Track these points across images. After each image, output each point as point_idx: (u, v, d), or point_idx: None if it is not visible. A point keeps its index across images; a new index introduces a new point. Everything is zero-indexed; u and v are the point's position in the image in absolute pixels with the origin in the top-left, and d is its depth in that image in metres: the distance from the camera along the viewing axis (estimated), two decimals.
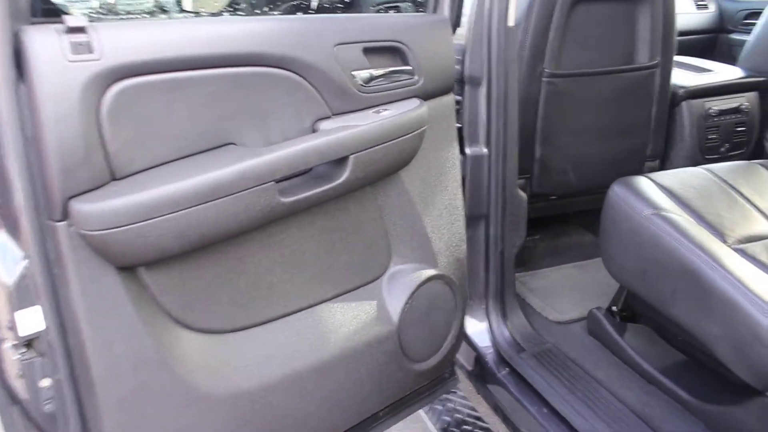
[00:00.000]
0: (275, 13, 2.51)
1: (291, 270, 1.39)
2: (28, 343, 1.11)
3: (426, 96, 1.56)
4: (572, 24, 2.14)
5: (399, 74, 1.50)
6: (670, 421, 1.70)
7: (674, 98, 2.44)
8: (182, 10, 2.54)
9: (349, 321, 1.50)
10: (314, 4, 2.67)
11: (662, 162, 2.54)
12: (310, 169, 1.34)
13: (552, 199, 2.42)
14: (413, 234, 1.61)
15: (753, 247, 1.63)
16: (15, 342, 1.10)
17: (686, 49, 3.18)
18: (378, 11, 3.12)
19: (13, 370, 1.15)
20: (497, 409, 1.96)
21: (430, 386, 1.76)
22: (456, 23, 1.73)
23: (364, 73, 1.43)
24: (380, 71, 1.47)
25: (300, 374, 1.40)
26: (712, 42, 3.83)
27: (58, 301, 1.10)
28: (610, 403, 1.74)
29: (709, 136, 2.51)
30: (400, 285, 1.59)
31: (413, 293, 1.58)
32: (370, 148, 1.37)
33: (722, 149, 2.55)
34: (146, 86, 1.13)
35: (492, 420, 1.97)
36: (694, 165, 2.50)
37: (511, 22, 1.80)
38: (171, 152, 1.18)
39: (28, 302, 1.09)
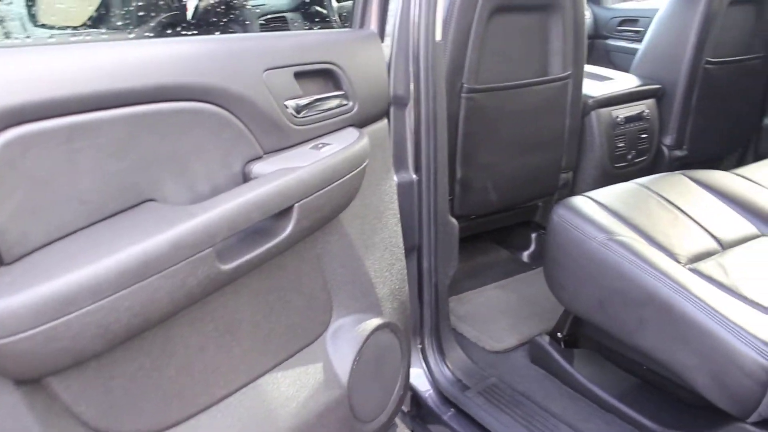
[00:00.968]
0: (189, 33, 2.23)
1: (227, 344, 1.16)
2: None
3: (361, 123, 1.38)
4: (489, 36, 2.03)
5: (332, 100, 1.31)
6: None
7: (584, 108, 2.39)
8: (37, 25, 2.20)
9: (296, 392, 1.28)
10: (190, 15, 2.42)
11: (574, 173, 2.48)
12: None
13: (472, 219, 2.29)
14: (355, 281, 1.42)
15: (705, 266, 1.56)
16: None
17: None
18: (262, 26, 2.88)
19: None
20: None
21: None
22: (381, 38, 1.56)
23: (297, 102, 1.23)
24: (312, 98, 1.27)
25: None
26: (589, 47, 3.89)
27: None
28: None
29: (618, 144, 2.48)
30: (346, 341, 1.40)
31: (360, 348, 1.39)
32: (316, 193, 1.16)
33: (629, 156, 2.54)
34: (35, 136, 0.87)
35: None
36: (604, 174, 2.48)
37: (438, 37, 1.64)
38: (77, 219, 0.93)
39: None
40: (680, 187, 1.89)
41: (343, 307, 1.40)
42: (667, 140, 2.72)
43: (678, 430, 1.58)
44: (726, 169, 3.27)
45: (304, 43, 1.28)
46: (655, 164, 2.71)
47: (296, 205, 1.12)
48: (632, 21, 3.65)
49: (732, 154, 3.18)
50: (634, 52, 3.00)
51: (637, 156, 2.57)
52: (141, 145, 0.99)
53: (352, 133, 1.32)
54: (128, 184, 0.98)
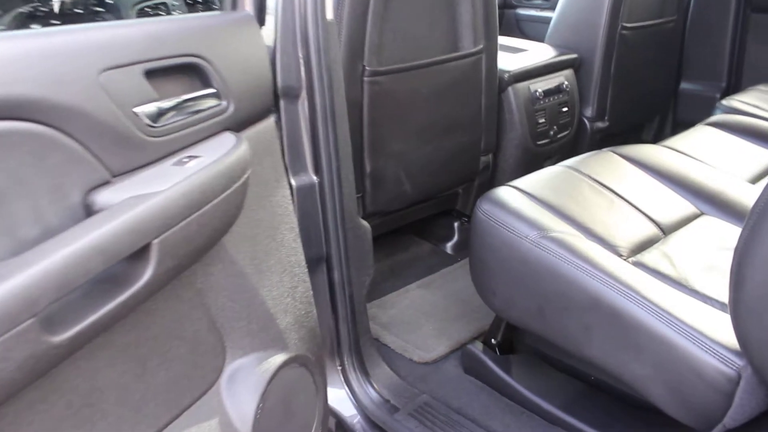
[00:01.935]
0: None
1: (88, 420, 0.90)
2: None
3: (240, 125, 1.14)
4: (390, 12, 1.79)
5: (200, 101, 1.06)
6: None
7: (500, 84, 2.20)
8: None
9: None
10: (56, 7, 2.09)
11: (494, 155, 2.29)
12: None
13: (387, 215, 2.08)
14: (250, 315, 1.18)
15: (650, 257, 1.39)
16: None
17: None
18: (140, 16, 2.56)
19: None
20: None
21: None
22: (260, 21, 1.32)
23: (151, 108, 0.97)
24: (173, 101, 1.01)
25: None
26: (498, 18, 3.71)
27: None
28: None
29: (539, 120, 2.30)
30: (246, 386, 1.16)
31: (264, 392, 1.16)
32: (182, 221, 0.91)
33: (551, 132, 2.37)
34: None
35: None
36: (526, 153, 2.30)
37: (329, 15, 1.40)
38: None
39: None
40: (611, 166, 1.72)
41: (238, 347, 1.16)
42: (588, 112, 2.57)
43: None
44: (647, 137, 3.19)
45: (158, 32, 1.02)
46: (578, 138, 2.56)
47: (154, 242, 0.87)
48: None
49: (651, 122, 3.07)
50: (545, 20, 2.84)
51: (559, 131, 2.40)
52: None
53: (227, 139, 1.07)
54: None
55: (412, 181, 2.01)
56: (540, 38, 2.68)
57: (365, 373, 1.67)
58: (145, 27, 1.01)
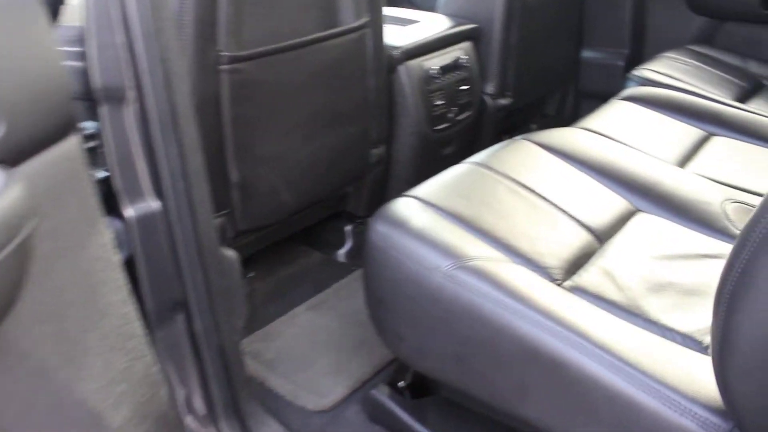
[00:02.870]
0: None
1: None
2: None
3: (19, 155, 0.76)
4: None
5: None
6: None
7: (389, 63, 1.87)
8: None
9: None
10: None
11: (388, 145, 1.97)
12: None
13: (264, 229, 1.72)
14: (62, 424, 0.82)
15: (588, 278, 1.11)
16: None
17: None
18: None
19: None
20: None
21: None
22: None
23: None
24: None
25: None
26: None
27: None
28: None
29: (436, 102, 1.99)
30: None
31: None
32: None
33: (450, 115, 2.06)
34: None
35: None
36: (423, 141, 2.00)
37: None
38: None
39: None
40: (528, 158, 1.43)
41: None
42: (490, 88, 2.29)
43: None
44: (550, 111, 2.95)
45: None
46: (480, 118, 2.27)
47: None
48: None
49: (554, 94, 2.83)
50: None
51: (459, 112, 2.10)
52: None
53: None
54: None
55: (292, 188, 1.66)
56: (432, 7, 2.37)
57: None
58: None
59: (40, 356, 0.79)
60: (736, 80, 2.21)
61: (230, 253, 1.26)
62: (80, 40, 1.06)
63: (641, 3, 2.73)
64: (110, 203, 1.09)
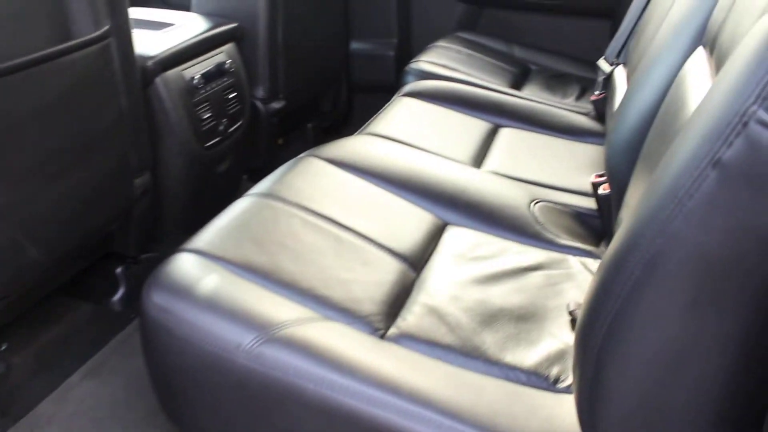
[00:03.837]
0: None
1: None
2: None
3: None
4: None
5: None
6: None
7: (144, 75, 1.59)
8: None
9: None
10: None
11: (153, 172, 1.69)
12: None
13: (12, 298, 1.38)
14: None
15: (414, 321, 0.97)
16: None
17: None
18: None
19: None
20: None
21: None
22: None
23: None
24: None
25: None
26: None
27: None
28: None
29: (203, 116, 1.75)
30: None
31: None
32: None
33: (221, 128, 1.83)
34: None
35: None
36: (194, 162, 1.77)
37: None
38: None
39: None
40: (321, 180, 1.25)
41: None
42: (260, 92, 2.09)
43: None
44: (326, 108, 2.81)
45: None
46: (253, 126, 2.06)
47: None
48: None
49: (328, 90, 2.69)
50: None
51: (230, 123, 1.87)
52: None
53: None
54: None
55: (39, 242, 1.33)
56: (188, 5, 2.10)
57: None
58: None
59: None
60: (506, 66, 2.21)
61: None
62: None
63: None
64: None
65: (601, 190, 1.29)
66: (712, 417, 0.64)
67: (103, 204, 1.52)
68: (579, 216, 1.34)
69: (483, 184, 1.35)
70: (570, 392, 0.85)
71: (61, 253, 1.43)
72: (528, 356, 0.92)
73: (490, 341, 0.94)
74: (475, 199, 1.29)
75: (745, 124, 0.53)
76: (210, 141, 1.79)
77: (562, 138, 1.73)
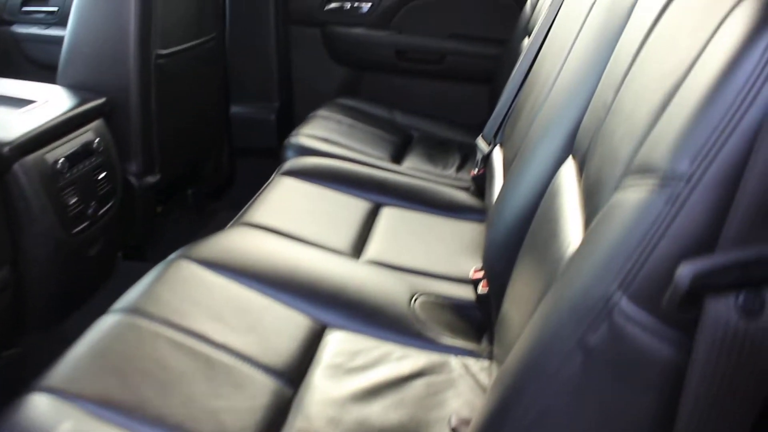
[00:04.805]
0: None
1: None
2: None
3: None
4: None
5: None
6: None
7: (0, 163, 1.48)
8: None
9: None
10: None
11: (13, 265, 1.56)
12: None
13: None
14: None
15: None
16: None
17: None
18: None
19: None
20: None
21: None
22: None
23: None
24: None
25: None
26: None
27: None
28: None
29: (69, 202, 1.64)
30: None
31: None
32: None
33: (90, 212, 1.73)
34: None
35: None
36: (63, 250, 1.65)
37: None
38: None
39: None
40: (192, 289, 1.19)
41: None
42: (133, 167, 1.99)
43: None
44: (207, 173, 2.73)
45: None
46: (126, 205, 1.95)
47: None
48: None
49: (209, 156, 2.61)
50: (57, 40, 2.11)
51: (100, 206, 1.77)
52: None
53: None
54: None
55: None
56: (57, 63, 1.97)
57: None
58: None
59: None
60: (388, 136, 2.22)
61: None
62: None
63: (286, 55, 2.66)
64: None
65: (480, 289, 1.29)
66: None
67: None
68: (460, 309, 1.34)
69: (363, 278, 1.33)
70: None
71: None
72: None
73: None
74: (356, 298, 1.26)
75: (610, 312, 0.53)
76: (78, 227, 1.68)
77: (444, 216, 1.74)
